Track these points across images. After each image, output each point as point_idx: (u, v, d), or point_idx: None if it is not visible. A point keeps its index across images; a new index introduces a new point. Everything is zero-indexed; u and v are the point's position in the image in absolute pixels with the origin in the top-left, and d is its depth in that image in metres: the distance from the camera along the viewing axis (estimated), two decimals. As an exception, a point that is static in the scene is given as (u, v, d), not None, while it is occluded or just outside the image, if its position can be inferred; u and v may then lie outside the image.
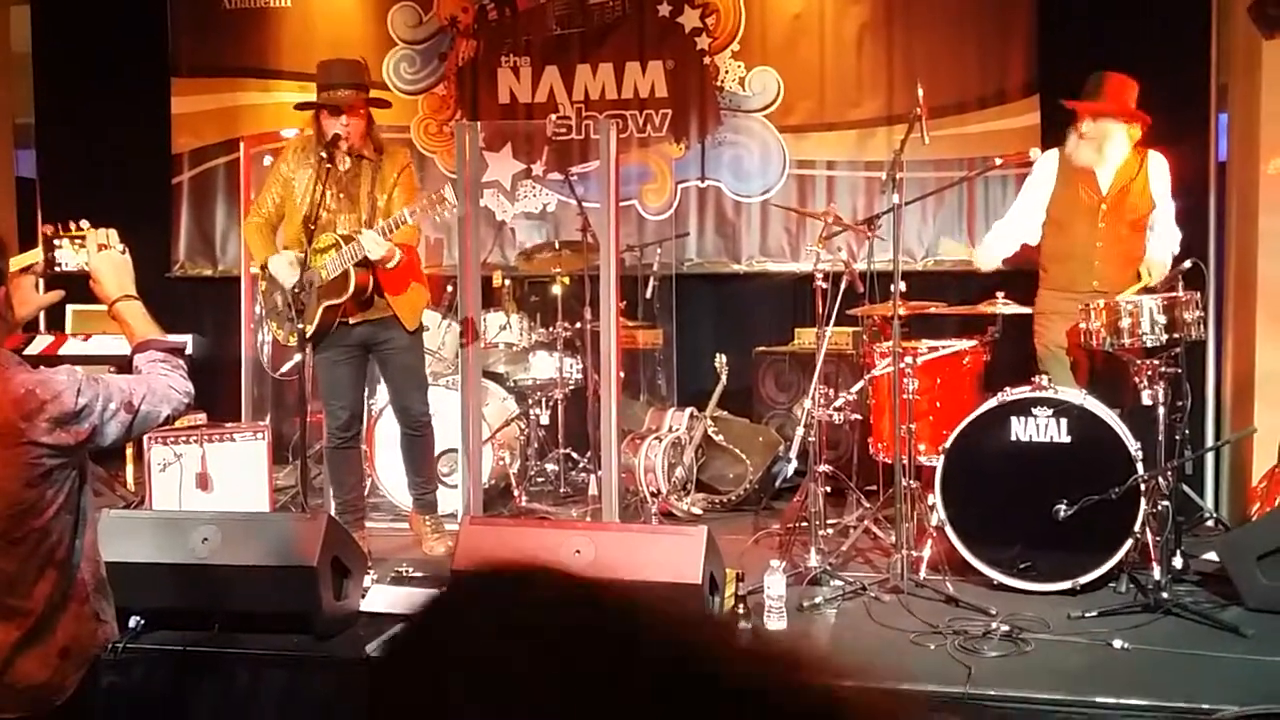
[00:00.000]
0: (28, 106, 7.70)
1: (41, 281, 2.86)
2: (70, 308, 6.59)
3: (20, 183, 7.70)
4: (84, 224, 2.78)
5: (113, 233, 2.75)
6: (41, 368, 2.46)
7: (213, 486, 5.40)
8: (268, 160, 6.88)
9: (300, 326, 4.70)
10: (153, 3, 7.58)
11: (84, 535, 2.50)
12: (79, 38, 7.56)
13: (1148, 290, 4.73)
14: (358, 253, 4.65)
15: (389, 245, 4.64)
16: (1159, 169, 4.94)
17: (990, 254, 5.11)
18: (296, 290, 4.65)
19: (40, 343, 6.49)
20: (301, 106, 4.99)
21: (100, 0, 7.54)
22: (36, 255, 2.74)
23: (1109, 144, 4.86)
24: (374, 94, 5.00)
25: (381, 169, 4.84)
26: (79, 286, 2.78)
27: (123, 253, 2.74)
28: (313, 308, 4.76)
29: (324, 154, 4.69)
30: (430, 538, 5.07)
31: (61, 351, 6.44)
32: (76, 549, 2.47)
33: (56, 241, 2.75)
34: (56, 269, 2.76)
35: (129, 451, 6.10)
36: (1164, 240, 4.88)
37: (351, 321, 4.86)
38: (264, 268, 4.87)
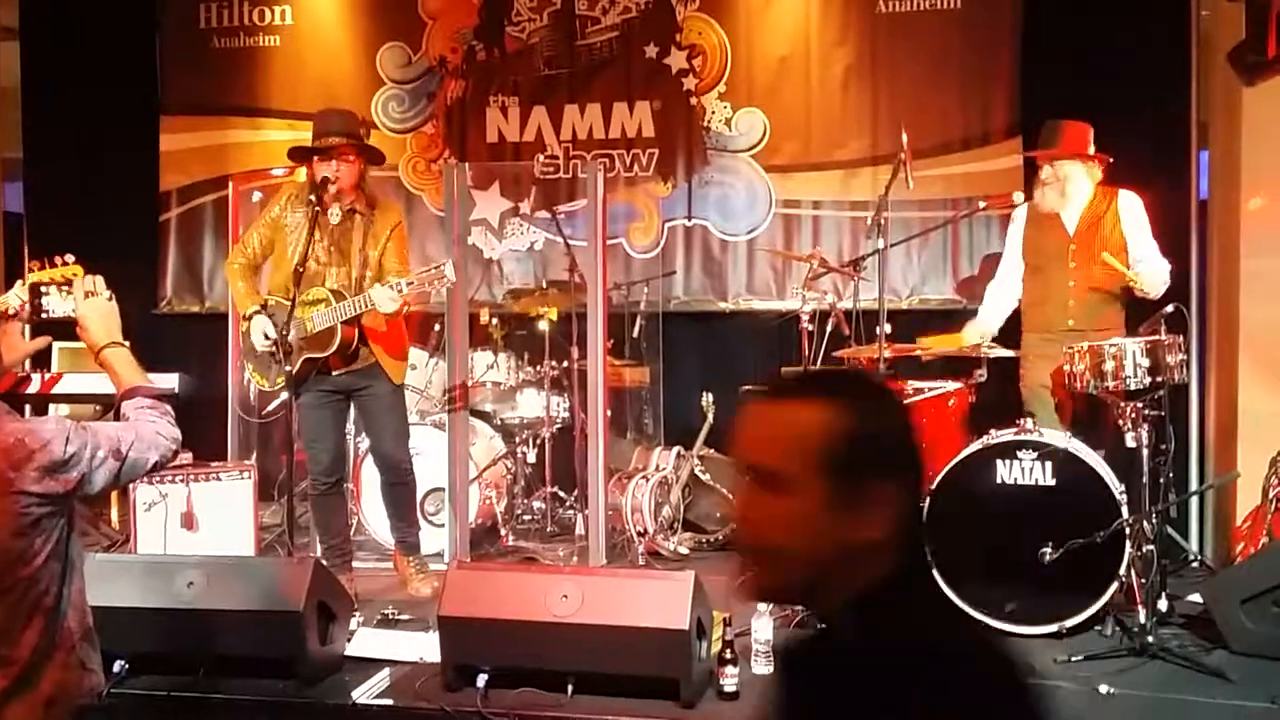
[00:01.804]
0: (16, 141, 7.71)
1: (28, 328, 2.86)
2: (57, 345, 6.58)
3: (7, 217, 7.70)
4: (69, 258, 2.79)
5: (99, 279, 2.75)
6: (30, 416, 2.47)
7: (198, 526, 5.37)
8: (256, 197, 6.92)
9: (287, 369, 4.69)
10: (142, 40, 7.62)
11: (72, 583, 2.49)
12: (68, 73, 7.58)
13: (1131, 292, 4.78)
14: (348, 311, 4.66)
15: (401, 301, 4.64)
16: (1130, 206, 5.02)
17: (985, 327, 5.17)
18: (283, 334, 4.64)
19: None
20: (294, 152, 5.00)
21: (89, 36, 7.56)
22: (19, 295, 2.74)
23: (1070, 185, 5.00)
24: (370, 144, 5.00)
25: (374, 224, 4.84)
26: (65, 326, 2.78)
27: (109, 299, 2.74)
28: (293, 357, 4.76)
29: (313, 198, 4.71)
30: (415, 579, 5.05)
31: (56, 390, 6.43)
32: (64, 597, 2.46)
33: (44, 289, 2.76)
34: (43, 315, 2.77)
35: (113, 491, 6.07)
36: (1153, 265, 4.94)
37: (334, 372, 4.87)
38: (247, 318, 4.86)
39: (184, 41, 7.61)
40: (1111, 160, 5.02)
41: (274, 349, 4.71)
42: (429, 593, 4.88)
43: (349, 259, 4.80)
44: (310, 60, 7.48)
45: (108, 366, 2.69)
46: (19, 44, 7.70)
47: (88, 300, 2.71)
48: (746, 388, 6.57)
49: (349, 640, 4.17)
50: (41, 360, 6.66)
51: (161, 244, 7.68)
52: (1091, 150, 5.01)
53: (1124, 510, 4.24)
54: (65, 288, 2.75)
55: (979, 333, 5.17)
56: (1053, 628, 4.27)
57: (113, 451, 2.48)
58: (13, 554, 2.36)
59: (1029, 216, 5.14)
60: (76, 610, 2.51)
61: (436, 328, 6.24)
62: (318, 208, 4.69)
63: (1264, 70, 5.13)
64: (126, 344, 2.73)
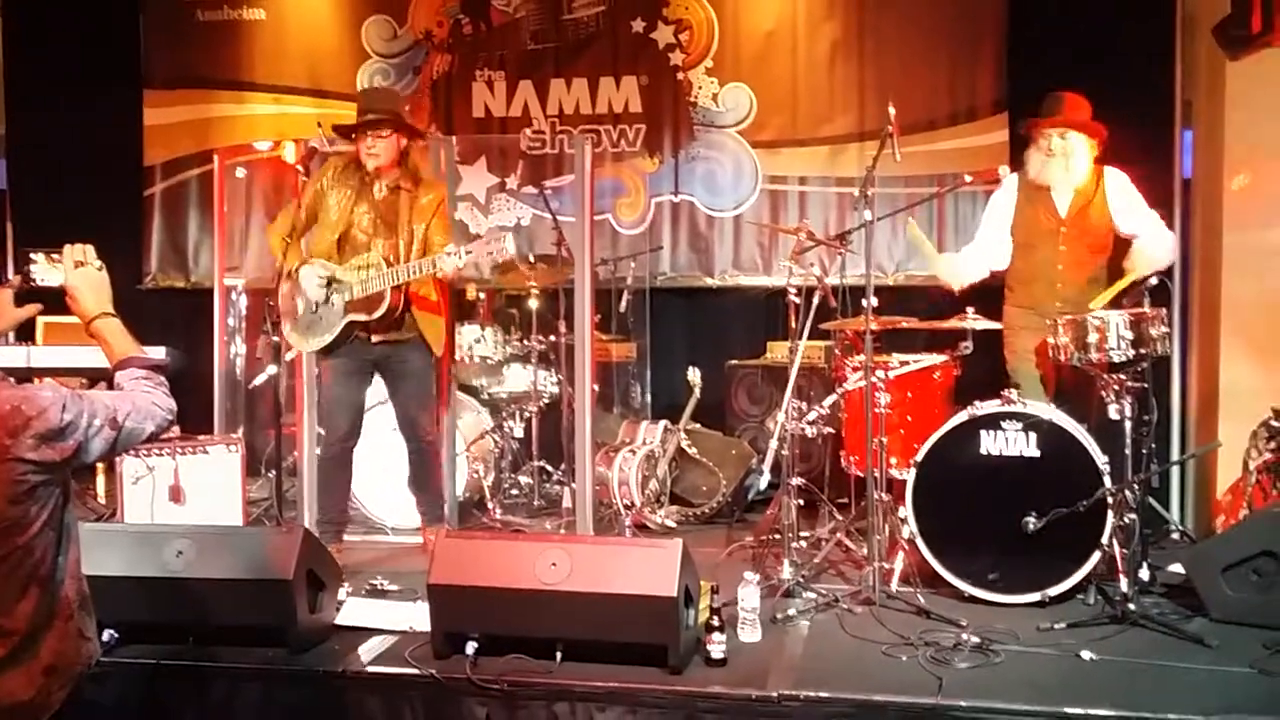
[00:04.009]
0: (-2, 116, 7.67)
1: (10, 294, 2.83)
2: (41, 320, 6.55)
3: (-10, 193, 7.66)
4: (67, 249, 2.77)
5: (89, 249, 2.71)
6: (25, 384, 2.46)
7: (185, 499, 5.38)
8: (240, 173, 6.91)
9: (275, 339, 4.73)
10: (125, 14, 7.58)
11: (67, 552, 2.49)
12: (51, 48, 7.53)
13: (1134, 285, 4.78)
14: (404, 275, 4.75)
15: (461, 266, 4.73)
16: (1117, 185, 5.00)
17: (956, 273, 5.17)
18: (323, 298, 4.72)
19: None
20: (338, 129, 5.03)
21: (72, 11, 7.51)
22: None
23: (1075, 158, 4.93)
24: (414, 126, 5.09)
25: (418, 200, 4.94)
26: (52, 298, 2.74)
27: (99, 269, 2.70)
28: (334, 320, 4.81)
29: (358, 170, 4.80)
30: None
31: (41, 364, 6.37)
32: (60, 566, 2.47)
33: (33, 256, 2.73)
34: (32, 284, 2.74)
35: (100, 464, 6.06)
36: (1157, 240, 4.93)
37: (374, 339, 4.91)
38: (291, 274, 4.89)
39: (167, 15, 7.58)
40: (1107, 134, 4.98)
41: (327, 293, 4.79)
42: None
43: (395, 232, 4.89)
44: (295, 33, 7.46)
45: (99, 337, 2.66)
46: (0, 19, 7.63)
47: (77, 270, 2.67)
48: (732, 362, 6.63)
49: (338, 610, 4.19)
50: (26, 331, 6.63)
51: (145, 219, 7.66)
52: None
53: (1107, 480, 4.28)
54: (55, 258, 2.72)
55: (953, 273, 5.16)
56: (1036, 596, 4.31)
57: (109, 420, 2.47)
58: (8, 522, 2.36)
59: (1021, 191, 5.07)
60: (73, 579, 2.52)
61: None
62: (361, 174, 4.85)
63: (1248, 44, 5.16)
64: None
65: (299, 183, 5.28)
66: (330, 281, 4.80)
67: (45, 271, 2.71)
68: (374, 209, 4.91)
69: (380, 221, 4.91)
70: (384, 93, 5.25)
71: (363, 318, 4.83)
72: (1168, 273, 4.93)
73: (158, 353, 6.22)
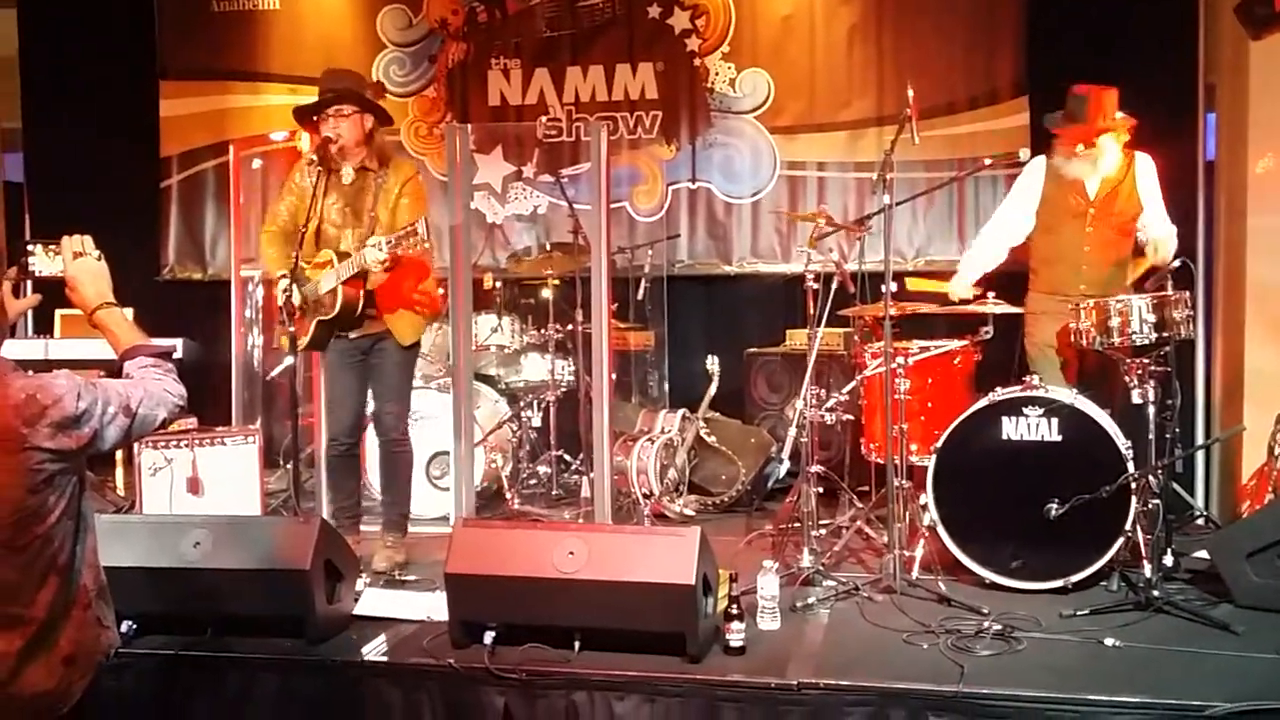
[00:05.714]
0: (14, 110, 7.67)
1: (28, 285, 2.83)
2: (59, 312, 6.58)
3: (8, 187, 7.67)
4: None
5: (88, 239, 2.68)
6: (38, 373, 2.44)
7: (203, 491, 5.39)
8: (256, 164, 6.91)
9: (291, 329, 4.70)
10: (140, 5, 7.58)
11: (85, 541, 2.49)
12: (66, 40, 7.55)
13: (1154, 270, 4.73)
14: (346, 271, 4.61)
15: (387, 257, 4.49)
16: (1146, 169, 4.95)
17: (967, 276, 5.11)
18: (289, 297, 4.64)
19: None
20: (297, 111, 4.97)
21: (87, 3, 7.52)
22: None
23: (1104, 158, 4.86)
24: (373, 101, 4.94)
25: (385, 182, 4.79)
26: (59, 291, 2.71)
27: (99, 259, 2.67)
28: (308, 321, 4.76)
29: (314, 157, 4.68)
30: (381, 551, 4.93)
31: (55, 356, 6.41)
32: (78, 555, 2.46)
33: (30, 247, 2.70)
34: (30, 276, 2.71)
35: (119, 456, 6.08)
36: (1161, 225, 4.89)
37: (351, 335, 4.85)
38: (283, 277, 4.82)
39: (183, 6, 7.59)
40: (1136, 122, 4.90)
41: (300, 295, 4.69)
42: (385, 566, 4.78)
43: (361, 219, 4.78)
44: (310, 23, 7.45)
45: (103, 327, 2.64)
46: (16, 12, 7.65)
47: (77, 261, 2.64)
48: (751, 350, 6.60)
49: (356, 600, 4.18)
50: (44, 325, 6.67)
51: (162, 211, 7.67)
52: (1119, 114, 4.85)
53: (1130, 465, 4.24)
54: (52, 247, 2.70)
55: (963, 284, 5.11)
56: (1059, 583, 4.28)
57: (123, 408, 2.46)
58: (27, 512, 2.35)
59: (1048, 174, 5.00)
60: (90, 568, 2.51)
61: (440, 291, 6.21)
62: (320, 168, 4.66)
63: (1272, 24, 5.08)
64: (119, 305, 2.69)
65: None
66: (288, 284, 4.68)
67: (43, 263, 2.70)
68: (343, 197, 4.78)
69: (349, 210, 4.78)
70: (344, 72, 5.03)
71: (325, 317, 4.73)
72: (1191, 257, 4.87)
73: (171, 343, 6.32)
